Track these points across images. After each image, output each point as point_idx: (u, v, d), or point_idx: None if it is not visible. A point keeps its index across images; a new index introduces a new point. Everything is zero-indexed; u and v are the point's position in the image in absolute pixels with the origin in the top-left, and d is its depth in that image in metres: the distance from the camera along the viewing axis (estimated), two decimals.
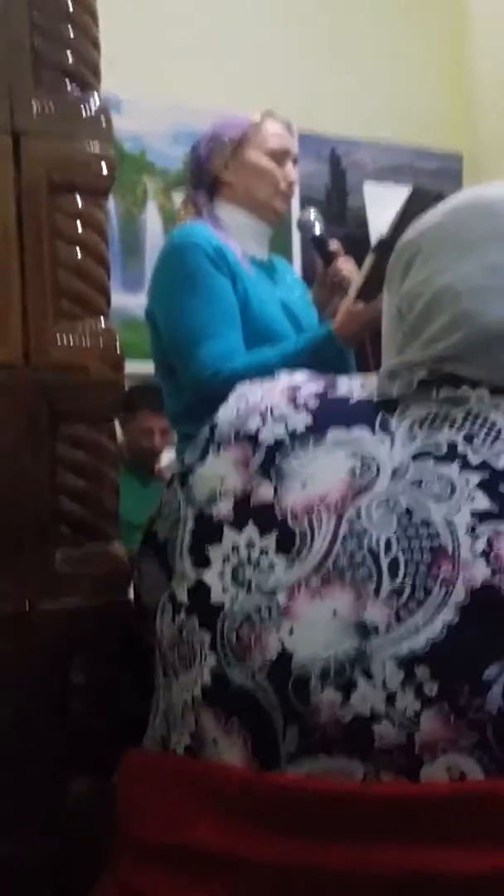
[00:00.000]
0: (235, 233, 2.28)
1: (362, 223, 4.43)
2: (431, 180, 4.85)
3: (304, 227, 2.40)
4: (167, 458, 2.83)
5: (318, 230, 2.36)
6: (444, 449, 1.01)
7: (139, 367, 2.34)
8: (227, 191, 2.30)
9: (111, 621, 1.32)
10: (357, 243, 3.82)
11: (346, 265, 2.30)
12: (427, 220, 1.14)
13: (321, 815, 0.91)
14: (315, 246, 2.41)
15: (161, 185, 4.06)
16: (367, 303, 2.06)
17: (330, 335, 2.12)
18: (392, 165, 4.77)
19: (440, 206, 1.14)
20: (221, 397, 1.80)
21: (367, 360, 2.31)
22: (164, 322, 2.19)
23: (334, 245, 2.35)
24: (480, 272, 1.06)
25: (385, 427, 1.05)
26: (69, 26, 1.31)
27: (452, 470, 1.00)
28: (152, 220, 4.06)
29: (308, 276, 2.49)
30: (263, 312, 2.21)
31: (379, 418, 1.05)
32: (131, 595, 1.31)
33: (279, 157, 2.29)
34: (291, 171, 2.33)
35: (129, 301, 3.59)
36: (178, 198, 2.44)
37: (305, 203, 4.40)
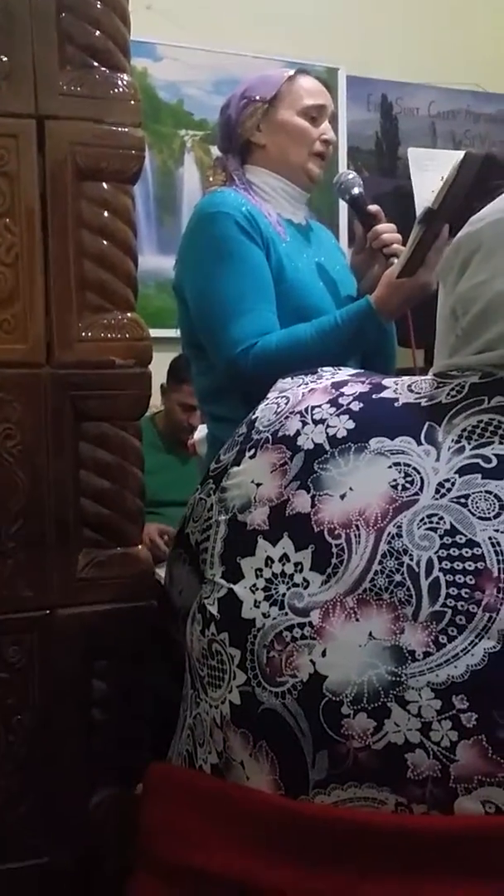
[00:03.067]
0: (269, 197, 2.25)
1: None
2: (491, 125, 4.79)
3: (342, 188, 2.35)
4: (200, 431, 2.84)
5: (356, 190, 2.33)
6: (494, 462, 0.99)
7: (175, 334, 2.36)
8: (260, 154, 2.27)
9: (134, 627, 1.34)
10: (409, 197, 3.78)
11: (385, 229, 2.27)
12: (488, 213, 1.10)
13: (350, 845, 0.93)
14: (353, 207, 2.37)
15: (199, 138, 4.04)
16: (411, 277, 2.04)
17: (370, 309, 2.09)
18: (448, 110, 4.70)
19: None
20: (253, 377, 1.80)
21: (408, 334, 2.30)
22: (192, 297, 2.17)
23: (374, 207, 2.32)
24: None
25: (431, 437, 1.03)
26: (97, 2, 1.30)
27: (501, 486, 0.98)
28: (190, 175, 4.04)
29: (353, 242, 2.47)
30: (299, 282, 2.18)
31: (425, 427, 1.03)
32: (155, 600, 1.34)
33: (314, 114, 2.26)
34: (328, 129, 2.29)
35: (165, 263, 3.58)
36: (217, 152, 2.42)
37: (353, 153, 4.37)
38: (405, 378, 1.12)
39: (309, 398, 1.12)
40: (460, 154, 2.02)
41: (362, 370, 1.19)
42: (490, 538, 0.96)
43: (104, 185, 1.32)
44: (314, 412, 1.09)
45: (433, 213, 1.98)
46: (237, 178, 2.24)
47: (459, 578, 0.95)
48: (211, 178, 2.31)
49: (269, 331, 2.06)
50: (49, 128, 1.29)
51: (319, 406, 1.10)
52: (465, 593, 0.94)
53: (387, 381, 1.12)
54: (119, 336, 1.33)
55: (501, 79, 4.71)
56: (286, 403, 1.13)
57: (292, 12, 4.13)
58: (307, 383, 1.15)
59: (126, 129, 1.33)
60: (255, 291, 2.09)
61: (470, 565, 0.95)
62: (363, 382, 1.12)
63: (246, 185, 2.24)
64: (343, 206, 4.07)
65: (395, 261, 2.14)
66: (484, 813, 0.90)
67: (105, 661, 1.34)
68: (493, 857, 0.90)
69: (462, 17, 4.54)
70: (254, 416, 1.15)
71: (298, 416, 1.10)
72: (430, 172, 2.24)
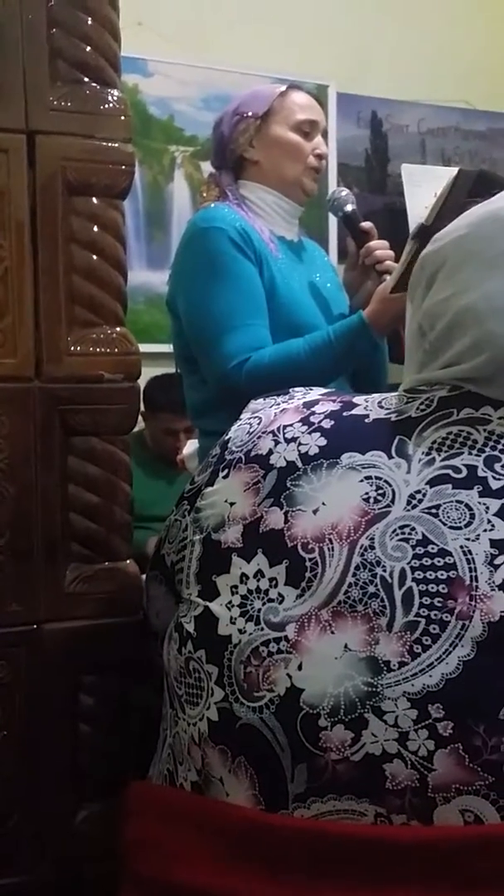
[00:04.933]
0: (263, 213, 2.27)
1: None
2: (480, 142, 4.81)
3: (335, 205, 2.37)
4: (189, 447, 2.84)
5: (349, 207, 2.35)
6: (464, 473, 1.01)
7: (164, 349, 2.37)
8: (253, 170, 2.28)
9: (122, 641, 1.35)
10: (398, 214, 3.80)
11: (378, 246, 2.28)
12: (452, 230, 1.13)
13: (331, 858, 0.94)
14: (346, 225, 2.39)
15: (189, 154, 4.05)
16: (404, 292, 2.05)
17: (363, 324, 2.11)
18: (438, 127, 4.72)
19: (467, 215, 1.13)
20: (246, 391, 1.81)
21: (401, 349, 2.30)
22: (185, 312, 2.18)
23: (367, 224, 2.34)
24: None
25: (402, 450, 1.04)
26: (88, 18, 1.32)
27: (471, 496, 1.00)
28: (180, 191, 4.05)
29: (344, 259, 2.48)
30: (291, 299, 2.20)
31: (396, 441, 1.05)
32: (143, 615, 1.34)
33: (306, 129, 2.28)
34: (321, 144, 2.31)
35: (154, 278, 3.60)
36: (207, 168, 2.42)
37: (342, 170, 4.39)
38: (375, 395, 1.14)
39: (281, 418, 1.13)
40: (454, 170, 2.03)
41: (333, 389, 1.21)
42: (461, 547, 0.97)
43: (94, 200, 1.34)
44: (286, 431, 1.11)
45: (427, 228, 1.97)
46: (231, 194, 2.26)
47: (432, 588, 0.96)
48: (204, 194, 2.33)
49: (262, 346, 2.08)
50: (39, 143, 1.30)
51: (291, 425, 1.11)
52: (438, 602, 0.95)
53: (357, 399, 1.14)
54: (108, 350, 1.34)
55: (491, 96, 4.73)
56: (258, 424, 1.15)
57: (283, 29, 4.15)
58: (279, 403, 1.17)
59: (116, 145, 1.34)
60: (248, 306, 2.11)
61: (442, 574, 0.96)
62: (334, 401, 1.14)
63: (239, 201, 2.25)
64: (333, 223, 4.08)
65: (388, 277, 2.15)
66: (463, 822, 0.91)
67: (92, 677, 1.35)
68: (473, 867, 0.91)
69: (452, 34, 4.56)
70: (227, 437, 1.17)
71: (271, 435, 1.11)
72: (423, 188, 2.24)
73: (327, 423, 1.10)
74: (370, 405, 1.11)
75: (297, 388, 1.20)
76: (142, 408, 3.70)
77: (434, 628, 0.95)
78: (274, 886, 0.94)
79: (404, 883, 0.91)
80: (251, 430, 1.14)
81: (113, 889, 1.09)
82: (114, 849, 1.12)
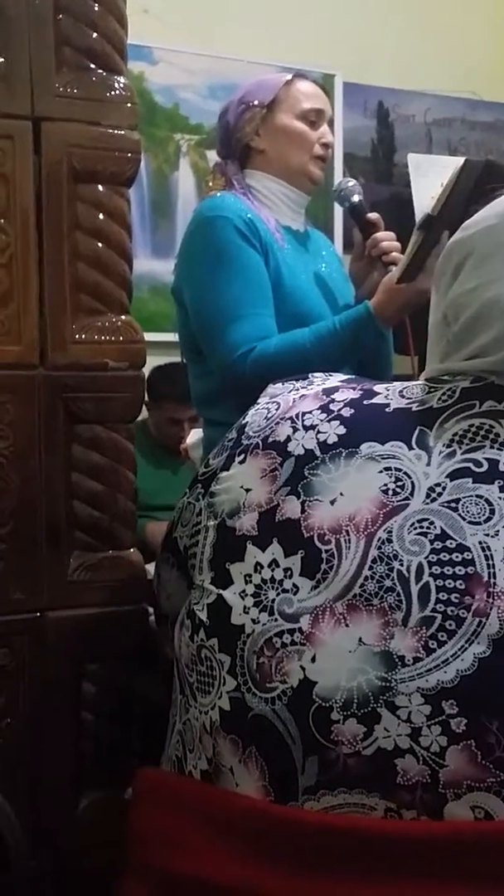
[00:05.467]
0: (269, 202, 2.26)
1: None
2: (486, 133, 4.80)
3: (342, 195, 2.36)
4: (193, 436, 2.84)
5: (356, 198, 2.34)
6: (485, 467, 0.99)
7: (169, 338, 2.36)
8: (259, 158, 2.26)
9: (125, 630, 1.34)
10: (404, 204, 3.79)
11: (385, 237, 2.27)
12: (481, 219, 1.10)
13: (340, 852, 0.92)
14: (353, 216, 2.38)
15: (195, 142, 4.03)
16: (410, 282, 2.04)
17: (368, 314, 2.09)
18: (444, 117, 4.71)
19: (496, 205, 1.10)
20: (251, 381, 1.81)
21: (406, 340, 2.30)
22: (191, 301, 2.16)
23: (373, 215, 2.33)
24: None
25: (422, 441, 1.02)
26: (95, 4, 1.31)
27: (492, 490, 0.98)
28: (185, 180, 4.02)
29: (349, 250, 2.47)
30: (297, 289, 2.18)
31: (416, 432, 1.03)
32: (146, 603, 1.34)
33: (312, 118, 2.26)
34: (327, 132, 2.29)
35: (159, 267, 3.59)
36: (213, 156, 2.41)
37: (349, 160, 4.38)
38: (396, 384, 1.12)
39: (300, 404, 1.11)
40: (460, 160, 2.02)
41: (353, 376, 1.19)
42: (480, 542, 0.96)
43: (100, 187, 1.33)
44: (305, 418, 1.09)
45: (433, 218, 1.98)
46: (237, 183, 2.24)
47: (449, 583, 0.95)
48: (210, 184, 2.31)
49: (267, 335, 2.06)
50: (45, 129, 1.30)
51: (310, 412, 1.10)
52: (455, 598, 0.94)
53: (378, 387, 1.11)
54: (113, 339, 1.33)
55: (497, 87, 4.71)
56: (277, 409, 1.13)
57: (289, 18, 4.13)
58: (298, 389, 1.15)
59: (122, 132, 1.33)
60: (254, 296, 2.09)
61: (460, 570, 0.95)
62: (354, 388, 1.12)
63: (245, 190, 2.24)
64: (339, 213, 4.07)
65: (394, 268, 2.14)
66: (473, 818, 0.90)
67: (96, 665, 1.34)
68: (483, 863, 0.90)
69: (459, 24, 4.54)
70: (244, 422, 1.15)
71: (289, 421, 1.10)
72: (429, 178, 2.24)
73: (347, 412, 1.08)
74: (391, 394, 1.09)
75: (316, 374, 1.18)
76: (145, 397, 3.71)
77: (450, 624, 0.93)
78: (282, 878, 0.93)
79: (413, 878, 0.90)
80: (269, 415, 1.12)
81: (114, 878, 1.09)
82: (115, 838, 1.11)
